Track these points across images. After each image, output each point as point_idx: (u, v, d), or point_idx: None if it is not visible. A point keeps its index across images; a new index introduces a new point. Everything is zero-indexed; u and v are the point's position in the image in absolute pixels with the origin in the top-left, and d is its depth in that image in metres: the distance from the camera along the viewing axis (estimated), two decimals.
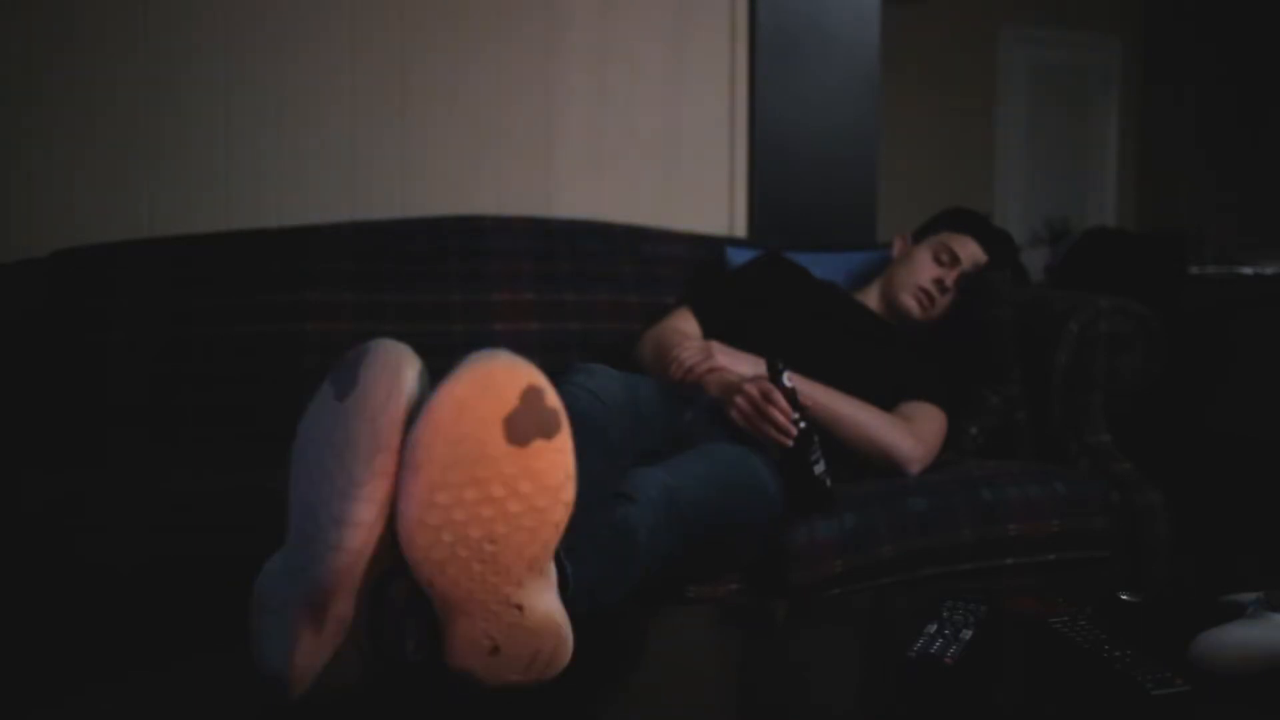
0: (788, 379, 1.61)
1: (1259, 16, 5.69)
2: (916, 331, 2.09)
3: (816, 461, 1.60)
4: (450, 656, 0.92)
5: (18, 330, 1.94)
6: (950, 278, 2.05)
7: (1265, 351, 3.76)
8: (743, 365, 1.79)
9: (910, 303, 2.05)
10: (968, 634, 1.09)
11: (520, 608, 0.91)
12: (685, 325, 1.97)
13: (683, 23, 2.50)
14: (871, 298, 2.12)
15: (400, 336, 0.95)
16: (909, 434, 1.80)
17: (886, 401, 1.85)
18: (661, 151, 2.49)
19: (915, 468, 1.79)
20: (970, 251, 2.09)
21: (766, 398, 1.61)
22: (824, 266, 2.24)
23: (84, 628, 1.40)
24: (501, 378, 0.88)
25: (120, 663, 1.28)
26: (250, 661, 0.92)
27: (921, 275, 2.06)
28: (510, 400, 0.87)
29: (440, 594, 0.89)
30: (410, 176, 2.31)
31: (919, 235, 2.17)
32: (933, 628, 1.10)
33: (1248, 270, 4.55)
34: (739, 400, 1.64)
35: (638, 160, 2.47)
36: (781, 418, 1.59)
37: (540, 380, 0.90)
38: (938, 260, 2.07)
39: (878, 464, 1.79)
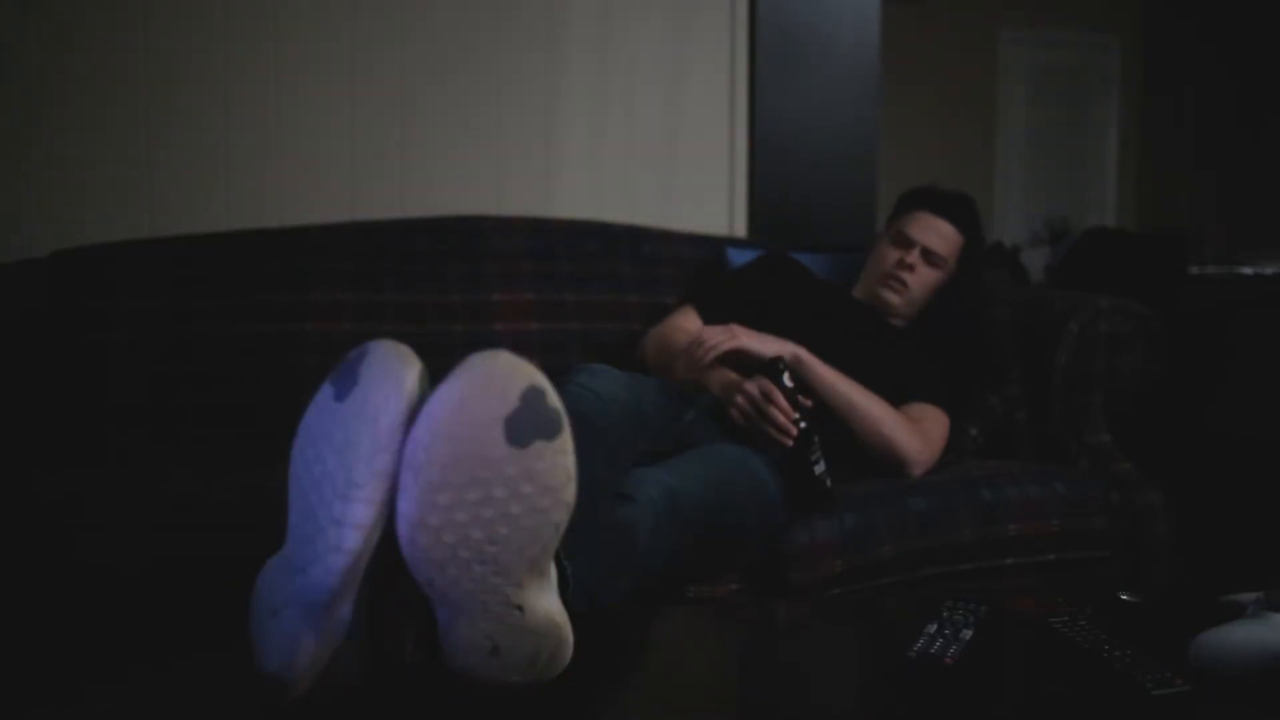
0: (788, 379, 1.61)
1: (1259, 18, 5.69)
2: (915, 331, 2.08)
3: (816, 462, 1.60)
4: (450, 657, 0.92)
5: (18, 330, 1.94)
6: (910, 256, 2.02)
7: (1265, 351, 3.75)
8: (767, 344, 1.77)
9: (885, 293, 2.03)
10: (968, 634, 1.09)
11: (521, 608, 0.91)
12: (688, 323, 1.97)
13: (683, 23, 2.50)
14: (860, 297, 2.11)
15: (400, 336, 0.95)
16: (918, 436, 1.80)
17: (888, 402, 1.84)
18: (661, 151, 2.49)
19: (918, 470, 1.79)
20: (923, 225, 2.05)
21: (767, 397, 1.61)
22: (824, 267, 2.24)
23: (84, 628, 1.40)
24: (502, 378, 0.88)
25: (120, 663, 1.28)
26: (250, 661, 0.92)
27: (885, 263, 2.04)
28: (511, 401, 0.87)
29: (440, 595, 0.89)
30: (410, 176, 2.31)
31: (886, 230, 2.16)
32: (933, 628, 1.10)
33: (1248, 270, 4.55)
34: (739, 399, 1.65)
35: (638, 160, 2.47)
36: (782, 417, 1.60)
37: (541, 381, 0.90)
38: (895, 244, 2.05)
39: (881, 462, 1.79)
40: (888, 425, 1.78)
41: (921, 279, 2.04)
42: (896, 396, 1.87)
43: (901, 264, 2.02)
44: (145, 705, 1.01)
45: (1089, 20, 6.34)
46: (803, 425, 1.60)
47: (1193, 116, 6.12)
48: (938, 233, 2.05)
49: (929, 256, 2.04)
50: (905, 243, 2.04)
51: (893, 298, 2.03)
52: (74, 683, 1.09)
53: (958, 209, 2.09)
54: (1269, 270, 4.49)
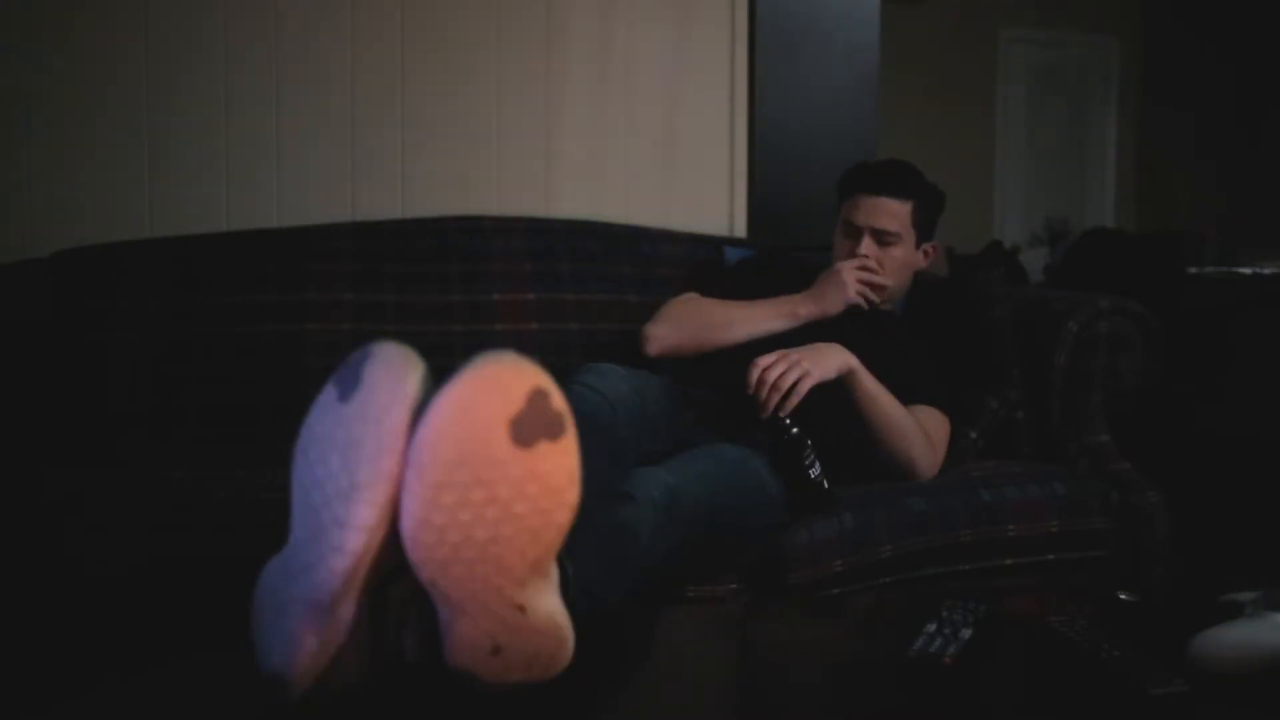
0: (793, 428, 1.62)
1: (1259, 17, 5.69)
2: (908, 316, 2.06)
3: (811, 465, 1.61)
4: (451, 656, 0.92)
5: (21, 330, 1.93)
6: (863, 245, 1.96)
7: (1265, 351, 3.76)
8: (830, 362, 1.70)
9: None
10: (967, 634, 1.09)
11: (522, 608, 0.91)
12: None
13: (683, 22, 2.50)
14: None
15: (400, 336, 0.95)
16: (931, 449, 1.79)
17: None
18: (661, 151, 2.49)
19: (923, 480, 1.79)
20: (866, 209, 1.97)
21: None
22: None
23: (85, 627, 1.40)
24: (507, 380, 0.88)
25: (120, 663, 1.28)
26: (251, 661, 0.92)
27: (844, 258, 1.98)
28: (516, 402, 0.87)
29: (443, 594, 0.89)
30: (410, 176, 2.31)
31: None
32: (932, 627, 1.10)
33: (1247, 270, 4.55)
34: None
35: (638, 160, 2.47)
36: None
37: (546, 382, 0.90)
38: (846, 236, 1.99)
39: (893, 471, 1.78)
40: (913, 442, 1.76)
41: (885, 260, 1.97)
42: (901, 399, 1.86)
43: (855, 255, 1.96)
44: (145, 705, 1.01)
45: (1089, 20, 6.35)
46: (794, 430, 1.60)
47: (1192, 117, 6.13)
48: (883, 211, 1.96)
49: (882, 237, 1.96)
50: (854, 232, 1.98)
51: (868, 293, 1.99)
52: (74, 682, 1.09)
53: (893, 180, 2.00)
54: (1268, 270, 4.49)
